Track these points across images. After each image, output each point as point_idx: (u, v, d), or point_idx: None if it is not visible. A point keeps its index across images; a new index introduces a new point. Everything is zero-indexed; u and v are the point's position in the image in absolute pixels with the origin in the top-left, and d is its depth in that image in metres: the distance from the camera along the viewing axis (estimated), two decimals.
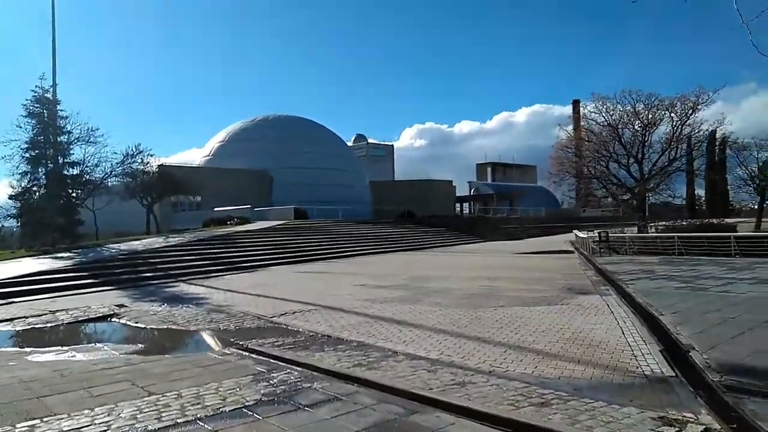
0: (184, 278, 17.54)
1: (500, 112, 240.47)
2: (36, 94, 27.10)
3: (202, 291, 14.82)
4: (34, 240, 26.50)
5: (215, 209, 39.16)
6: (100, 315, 11.24)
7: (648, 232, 33.56)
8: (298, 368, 6.64)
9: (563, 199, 75.36)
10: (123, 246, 22.76)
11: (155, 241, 24.35)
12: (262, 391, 5.66)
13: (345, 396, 5.44)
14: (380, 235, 35.35)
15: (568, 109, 73.70)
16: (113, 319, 10.90)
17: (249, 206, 37.69)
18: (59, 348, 8.37)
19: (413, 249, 32.56)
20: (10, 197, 28.37)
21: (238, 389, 5.77)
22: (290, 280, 17.55)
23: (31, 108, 27.17)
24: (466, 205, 79.39)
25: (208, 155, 55.81)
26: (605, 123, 36.98)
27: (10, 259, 20.04)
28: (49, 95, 27.30)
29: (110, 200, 32.12)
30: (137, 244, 23.15)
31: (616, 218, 62.94)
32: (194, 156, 58.49)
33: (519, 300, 11.50)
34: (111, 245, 23.37)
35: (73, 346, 8.41)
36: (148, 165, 34.17)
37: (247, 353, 7.59)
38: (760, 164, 44.68)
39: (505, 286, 13.93)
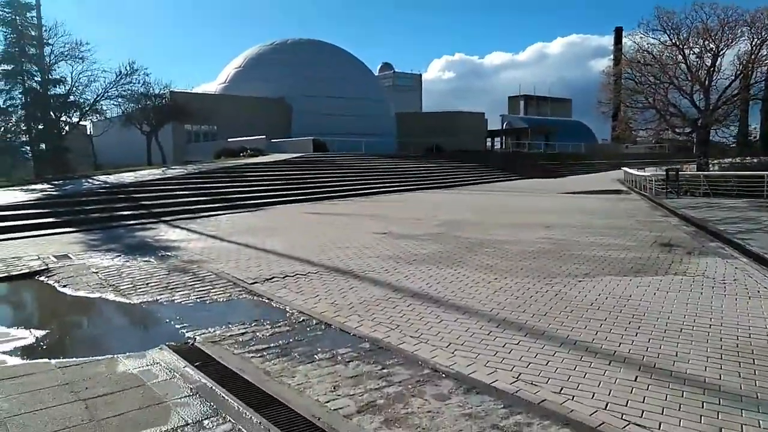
0: (167, 218, 14.46)
1: (534, 42, 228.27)
2: None
3: (180, 236, 11.71)
4: (12, 170, 23.42)
5: (229, 140, 35.89)
6: (25, 272, 8.23)
7: (709, 170, 29.40)
8: (255, 416, 3.48)
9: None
10: (111, 178, 19.76)
11: (150, 174, 21.30)
12: None
13: None
14: (406, 170, 31.77)
15: (607, 40, 67.05)
16: (40, 278, 7.89)
17: (264, 137, 34.30)
18: None
19: (443, 187, 29.02)
20: None
21: None
22: (295, 224, 14.29)
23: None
24: (498, 139, 74.47)
25: (224, 82, 51.92)
26: (669, 43, 31.91)
27: None
28: None
29: (107, 127, 28.83)
30: (128, 176, 20.13)
31: (662, 155, 58.00)
32: (211, 89, 54.17)
33: (606, 263, 8.10)
34: (98, 177, 20.39)
35: None
36: (147, 85, 30.34)
37: (184, 362, 4.47)
38: None
39: (575, 239, 10.49)
